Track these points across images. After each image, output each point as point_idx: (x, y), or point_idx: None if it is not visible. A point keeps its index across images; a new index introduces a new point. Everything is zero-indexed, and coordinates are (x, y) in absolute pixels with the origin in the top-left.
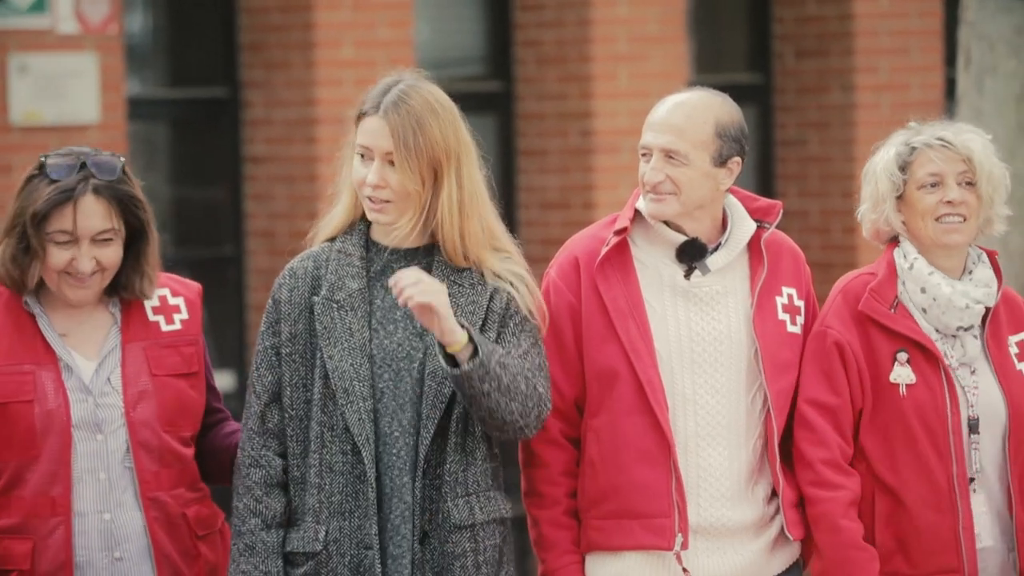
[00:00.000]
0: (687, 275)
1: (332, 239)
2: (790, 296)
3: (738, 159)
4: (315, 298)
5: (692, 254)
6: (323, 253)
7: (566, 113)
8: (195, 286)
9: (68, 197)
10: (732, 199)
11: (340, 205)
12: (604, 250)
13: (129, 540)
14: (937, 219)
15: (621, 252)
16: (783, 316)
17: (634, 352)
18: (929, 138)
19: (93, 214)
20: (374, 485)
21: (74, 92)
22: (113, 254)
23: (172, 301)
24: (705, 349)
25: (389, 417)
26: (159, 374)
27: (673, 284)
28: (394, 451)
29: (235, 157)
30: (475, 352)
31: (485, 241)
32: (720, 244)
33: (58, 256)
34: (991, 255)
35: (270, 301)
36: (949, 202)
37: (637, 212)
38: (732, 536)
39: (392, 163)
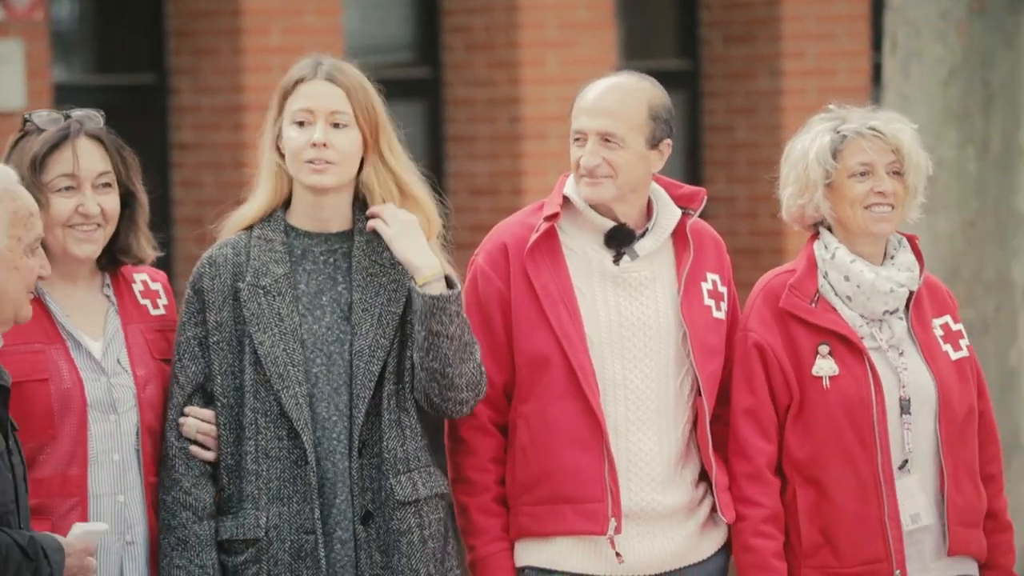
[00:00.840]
0: (616, 260)
1: (248, 228)
2: (714, 282)
3: (669, 141)
4: (240, 284)
5: (620, 240)
6: (240, 241)
7: (495, 99)
8: (162, 273)
9: (65, 136)
10: (655, 186)
11: (261, 190)
12: (534, 236)
13: (139, 524)
14: (866, 207)
15: (549, 238)
16: (709, 301)
17: (565, 338)
18: (860, 127)
19: (92, 154)
20: (316, 469)
21: None
22: (113, 202)
23: (152, 286)
24: (635, 334)
25: (326, 402)
26: (157, 358)
27: (602, 270)
28: (333, 435)
29: (163, 144)
30: (450, 287)
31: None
32: (647, 230)
33: (62, 205)
34: (911, 240)
35: (190, 291)
36: (880, 192)
37: (565, 198)
38: (663, 520)
39: (337, 125)
